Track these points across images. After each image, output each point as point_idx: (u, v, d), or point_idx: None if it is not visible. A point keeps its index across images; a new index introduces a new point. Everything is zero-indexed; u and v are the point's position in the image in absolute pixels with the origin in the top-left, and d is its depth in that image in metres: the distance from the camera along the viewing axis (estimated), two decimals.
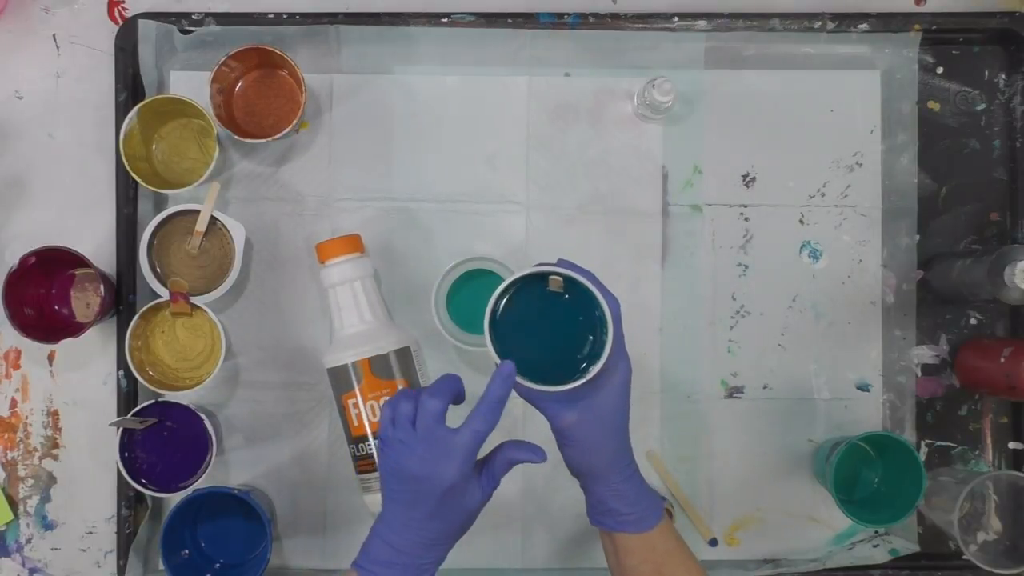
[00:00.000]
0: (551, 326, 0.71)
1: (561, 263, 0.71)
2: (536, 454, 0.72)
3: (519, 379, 0.68)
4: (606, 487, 0.73)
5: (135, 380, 0.90)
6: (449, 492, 0.68)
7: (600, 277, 0.93)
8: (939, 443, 0.95)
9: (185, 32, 0.92)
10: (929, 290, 0.95)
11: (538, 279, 0.70)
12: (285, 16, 0.92)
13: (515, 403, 0.93)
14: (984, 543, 0.90)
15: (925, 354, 0.95)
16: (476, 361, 0.93)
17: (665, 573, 0.73)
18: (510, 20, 0.93)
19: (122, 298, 0.92)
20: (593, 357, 0.69)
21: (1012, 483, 0.89)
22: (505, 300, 0.70)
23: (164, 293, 0.89)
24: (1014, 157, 0.95)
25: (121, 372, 0.92)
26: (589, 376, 0.68)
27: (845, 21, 0.93)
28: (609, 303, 0.69)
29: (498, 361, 0.68)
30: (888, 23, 0.94)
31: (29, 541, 0.94)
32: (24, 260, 0.86)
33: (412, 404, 0.70)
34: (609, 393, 0.71)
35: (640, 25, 0.93)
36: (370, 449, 0.86)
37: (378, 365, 0.86)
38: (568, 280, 0.70)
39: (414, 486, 0.68)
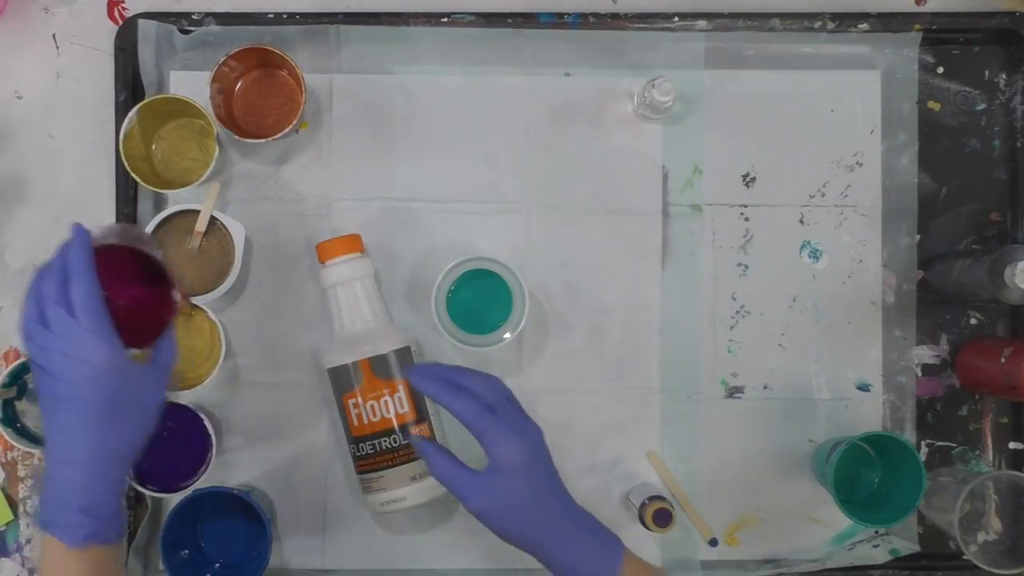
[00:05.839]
0: None
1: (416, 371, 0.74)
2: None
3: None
4: (549, 563, 0.72)
5: None
6: (103, 380, 0.65)
7: (600, 277, 0.94)
8: (939, 443, 0.95)
9: (185, 32, 0.92)
10: (929, 290, 0.95)
11: None
12: (285, 16, 0.92)
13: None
14: (984, 543, 0.90)
15: (925, 354, 0.95)
16: (476, 361, 0.93)
17: None
18: (510, 20, 0.93)
19: None
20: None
21: (1012, 483, 0.89)
22: None
23: None
24: (1014, 157, 0.95)
25: None
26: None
27: (845, 21, 0.93)
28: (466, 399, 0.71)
29: None
30: (888, 23, 0.94)
31: (29, 541, 0.94)
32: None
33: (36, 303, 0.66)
34: (513, 477, 0.70)
35: (640, 25, 0.93)
36: (370, 449, 0.86)
37: (378, 365, 0.86)
38: None
39: (71, 389, 0.65)
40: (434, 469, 0.73)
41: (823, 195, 0.95)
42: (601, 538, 0.73)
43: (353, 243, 0.89)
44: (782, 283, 0.95)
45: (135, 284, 0.72)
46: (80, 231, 0.67)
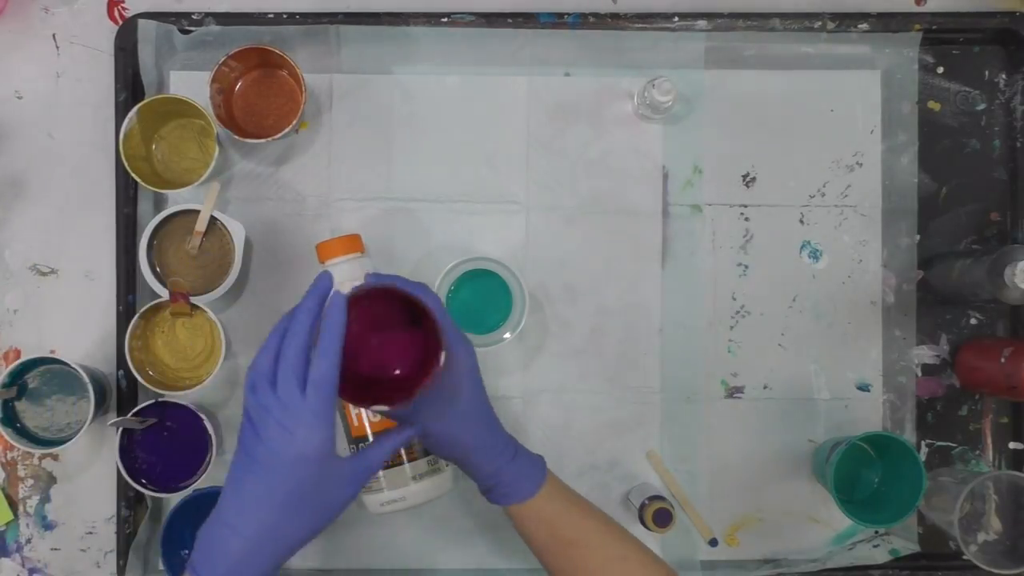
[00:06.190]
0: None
1: (369, 279, 0.69)
2: (406, 433, 0.70)
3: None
4: (478, 469, 0.74)
5: (135, 380, 0.90)
6: (305, 465, 0.62)
7: (600, 277, 0.94)
8: (939, 443, 0.95)
9: (185, 32, 0.92)
10: (929, 290, 0.95)
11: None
12: (285, 16, 0.92)
13: (515, 400, 0.93)
14: (984, 543, 0.90)
15: (925, 354, 0.95)
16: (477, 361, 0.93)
17: (559, 535, 0.75)
18: (510, 20, 0.93)
19: (121, 298, 0.92)
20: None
21: (1012, 483, 0.89)
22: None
23: (164, 293, 0.88)
24: (1014, 157, 0.95)
25: (121, 372, 0.92)
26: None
27: (845, 21, 0.93)
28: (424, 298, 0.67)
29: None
30: (888, 23, 0.94)
31: (29, 541, 0.94)
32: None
33: (271, 361, 0.64)
34: (463, 377, 0.71)
35: (640, 25, 0.93)
36: None
37: None
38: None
39: (270, 459, 0.62)
40: (394, 442, 0.70)
41: (823, 195, 0.95)
42: (527, 453, 0.77)
43: (353, 243, 0.89)
44: (782, 283, 0.95)
45: (398, 337, 0.69)
46: (339, 302, 0.64)
